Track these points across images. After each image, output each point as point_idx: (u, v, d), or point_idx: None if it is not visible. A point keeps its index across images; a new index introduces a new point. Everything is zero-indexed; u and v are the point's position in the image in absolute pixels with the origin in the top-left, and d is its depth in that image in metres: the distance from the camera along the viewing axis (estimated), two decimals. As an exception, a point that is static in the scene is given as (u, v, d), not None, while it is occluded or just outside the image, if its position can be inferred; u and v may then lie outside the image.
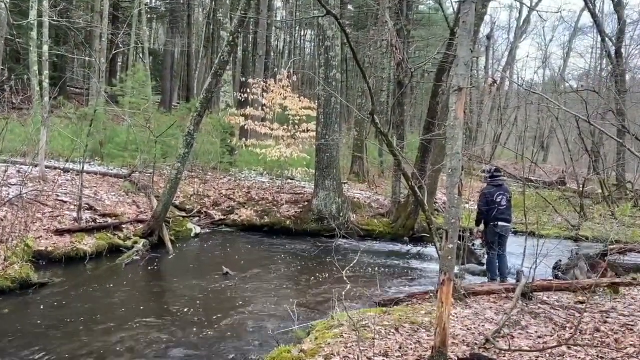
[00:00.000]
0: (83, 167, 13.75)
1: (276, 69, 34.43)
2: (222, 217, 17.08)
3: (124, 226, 13.72)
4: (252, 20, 30.42)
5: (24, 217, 11.70)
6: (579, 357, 6.01)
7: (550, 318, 7.51)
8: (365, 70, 18.16)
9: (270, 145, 20.06)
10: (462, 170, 5.63)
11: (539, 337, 6.74)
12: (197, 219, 16.71)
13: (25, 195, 12.56)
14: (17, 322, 8.07)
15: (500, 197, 10.92)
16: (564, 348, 6.12)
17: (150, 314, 8.87)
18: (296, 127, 20.38)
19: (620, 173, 27.74)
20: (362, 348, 6.09)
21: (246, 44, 30.76)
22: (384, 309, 8.19)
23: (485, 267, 11.62)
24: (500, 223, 10.96)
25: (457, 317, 7.43)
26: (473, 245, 13.91)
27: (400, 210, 17.13)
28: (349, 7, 37.62)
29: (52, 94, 15.77)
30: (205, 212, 17.28)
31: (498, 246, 10.93)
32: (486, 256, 11.27)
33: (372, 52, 26.56)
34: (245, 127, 20.95)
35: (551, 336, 6.76)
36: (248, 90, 21.14)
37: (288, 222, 16.81)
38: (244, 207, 17.62)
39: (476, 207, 11.63)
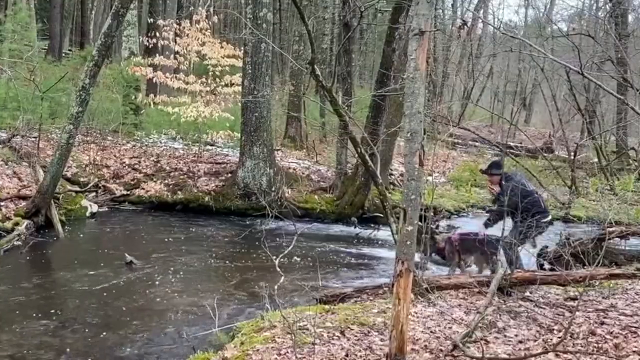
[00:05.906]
0: (-49, 131, 13.47)
1: (192, 8, 34.01)
2: (125, 192, 16.96)
3: (2, 203, 13.50)
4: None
5: None
6: (569, 366, 6.05)
7: (533, 318, 7.54)
8: (304, 9, 18.02)
9: (185, 103, 19.90)
10: (424, 134, 5.56)
11: (520, 341, 6.75)
12: (93, 194, 16.57)
13: None
14: None
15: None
16: (550, 355, 6.13)
17: (35, 313, 8.72)
18: (217, 80, 20.25)
19: (621, 137, 27.13)
20: (299, 355, 6.05)
21: (155, -24, 30.28)
22: (327, 306, 8.18)
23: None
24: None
25: (417, 317, 7.43)
26: (437, 227, 13.90)
27: (346, 183, 17.15)
28: None
29: None
30: (103, 185, 17.14)
31: None
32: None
33: (312, -13, 26.46)
34: (154, 80, 20.71)
35: (535, 341, 6.78)
36: (157, 35, 20.79)
37: (207, 199, 16.76)
38: (152, 179, 17.51)
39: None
